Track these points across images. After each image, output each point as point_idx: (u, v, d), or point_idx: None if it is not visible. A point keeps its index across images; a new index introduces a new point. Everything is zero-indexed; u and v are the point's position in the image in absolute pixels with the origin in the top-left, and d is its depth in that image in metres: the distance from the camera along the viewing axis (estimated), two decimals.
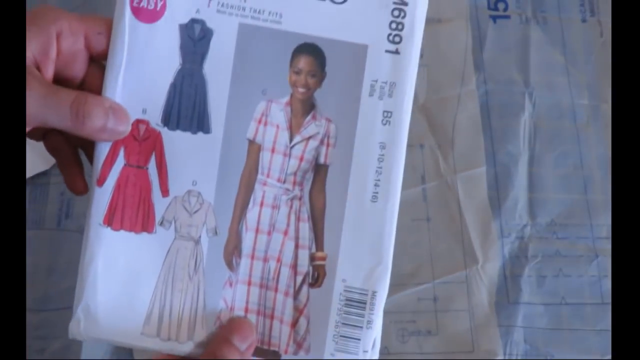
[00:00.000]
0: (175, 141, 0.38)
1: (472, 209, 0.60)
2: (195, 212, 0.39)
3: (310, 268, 0.39)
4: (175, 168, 0.38)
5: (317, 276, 0.39)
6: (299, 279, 0.39)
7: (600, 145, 0.63)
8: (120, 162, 0.38)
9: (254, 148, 0.39)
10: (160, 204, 0.38)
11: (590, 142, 0.63)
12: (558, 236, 0.60)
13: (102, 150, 0.38)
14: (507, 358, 0.57)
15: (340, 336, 0.39)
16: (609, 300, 0.58)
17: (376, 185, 0.39)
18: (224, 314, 0.39)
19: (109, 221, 0.38)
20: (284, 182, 0.39)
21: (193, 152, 0.38)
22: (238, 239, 0.39)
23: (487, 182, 0.61)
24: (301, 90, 0.39)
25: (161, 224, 0.38)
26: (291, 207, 0.39)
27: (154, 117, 0.38)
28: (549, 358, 0.57)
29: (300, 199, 0.39)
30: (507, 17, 0.65)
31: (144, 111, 0.38)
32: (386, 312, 0.56)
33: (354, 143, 0.39)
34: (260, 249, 0.39)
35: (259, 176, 0.39)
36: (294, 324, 0.39)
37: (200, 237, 0.39)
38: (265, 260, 0.39)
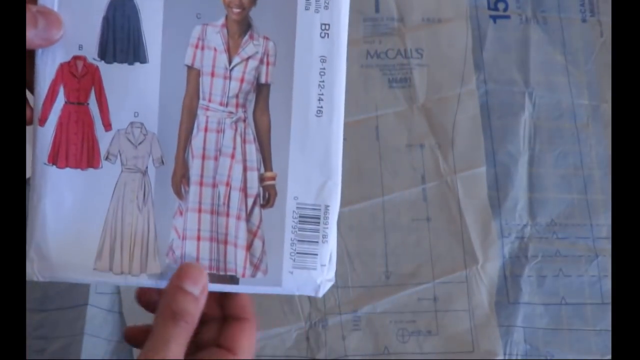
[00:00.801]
0: (114, 74, 0.38)
1: (472, 209, 0.60)
2: (140, 143, 0.38)
3: (261, 189, 0.39)
4: (116, 101, 0.38)
5: (268, 196, 0.39)
6: (250, 201, 0.39)
7: (600, 145, 0.63)
8: (60, 100, 0.38)
9: (193, 74, 0.38)
10: (104, 139, 0.38)
11: (590, 142, 0.63)
12: (558, 236, 0.60)
13: (42, 89, 0.38)
14: (507, 358, 0.57)
15: (297, 253, 0.39)
16: (609, 300, 0.58)
17: (320, 99, 0.38)
18: (175, 244, 0.38)
19: (54, 159, 0.38)
20: (227, 105, 0.39)
21: (132, 84, 0.38)
22: (185, 166, 0.38)
23: (487, 182, 0.61)
24: (236, 10, 0.38)
25: (107, 158, 0.38)
26: (236, 129, 0.39)
27: (91, 53, 0.38)
28: (549, 358, 0.57)
29: (244, 120, 0.39)
30: (507, 17, 0.65)
31: (80, 47, 0.38)
32: (386, 312, 0.56)
33: (294, 59, 0.38)
34: (208, 175, 0.39)
35: (201, 102, 0.38)
36: (249, 246, 0.39)
37: (147, 168, 0.38)
38: (214, 185, 0.39)
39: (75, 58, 0.38)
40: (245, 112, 0.39)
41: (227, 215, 0.39)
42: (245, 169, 0.39)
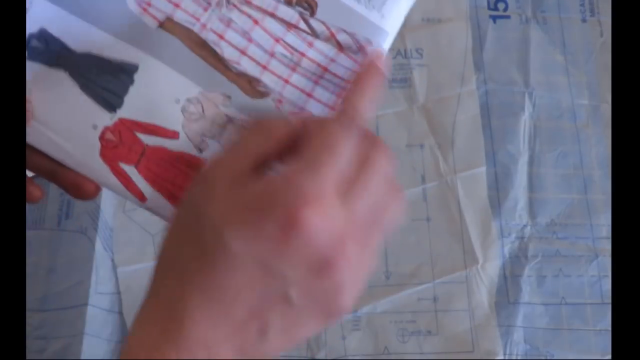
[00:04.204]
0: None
1: (472, 209, 0.60)
2: None
3: (296, 10, 0.36)
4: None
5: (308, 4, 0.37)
6: (302, 35, 0.36)
7: (600, 145, 0.63)
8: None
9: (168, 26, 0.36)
10: None
11: (590, 142, 0.63)
12: (558, 236, 0.60)
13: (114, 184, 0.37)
14: (507, 358, 0.57)
15: None
16: (609, 300, 0.58)
17: None
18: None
19: None
20: None
21: None
22: None
23: (487, 182, 0.61)
24: None
25: None
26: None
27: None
28: (549, 358, 0.57)
29: None
30: (507, 17, 0.65)
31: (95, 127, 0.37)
32: (386, 312, 0.56)
33: None
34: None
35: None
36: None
37: None
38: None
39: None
40: None
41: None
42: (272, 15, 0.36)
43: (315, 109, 0.36)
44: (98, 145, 0.36)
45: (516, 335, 0.57)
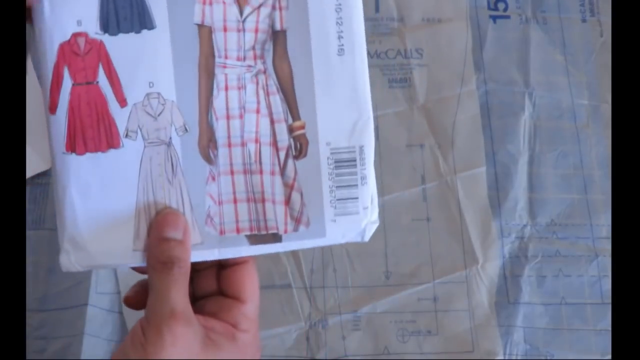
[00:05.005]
0: (121, 45, 0.36)
1: (472, 209, 0.60)
2: (159, 114, 0.37)
3: (291, 140, 0.37)
4: (128, 74, 0.36)
5: (300, 146, 0.37)
6: (282, 154, 0.37)
7: (600, 145, 0.63)
8: (67, 83, 0.36)
9: (205, 31, 0.37)
10: (120, 116, 0.36)
11: (590, 142, 0.63)
12: (558, 236, 0.60)
13: (46, 76, 0.36)
14: (507, 358, 0.57)
15: (337, 200, 0.38)
16: (609, 300, 0.58)
17: (339, 37, 0.37)
18: (213, 211, 0.37)
19: (72, 147, 0.36)
20: (244, 59, 0.37)
21: (143, 53, 0.36)
22: (210, 130, 0.37)
23: (487, 182, 0.61)
24: None
25: (127, 135, 0.36)
26: (257, 83, 0.37)
27: (92, 27, 0.36)
28: (549, 358, 0.57)
29: (264, 72, 0.37)
30: (507, 17, 0.65)
31: (79, 23, 0.36)
32: (386, 312, 0.56)
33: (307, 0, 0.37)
34: (235, 135, 0.37)
35: (217, 60, 0.37)
36: (287, 201, 0.37)
37: (170, 138, 0.37)
38: (243, 144, 0.37)
39: (75, 35, 0.36)
40: (264, 63, 0.37)
41: (261, 172, 0.37)
42: (272, 122, 0.37)
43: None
44: (68, 36, 0.36)
45: (516, 335, 0.57)
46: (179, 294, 0.35)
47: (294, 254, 0.58)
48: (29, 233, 0.59)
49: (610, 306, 0.58)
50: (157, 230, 0.36)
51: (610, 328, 0.58)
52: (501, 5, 0.66)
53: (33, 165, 0.59)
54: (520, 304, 0.58)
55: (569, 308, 0.58)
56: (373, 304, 0.58)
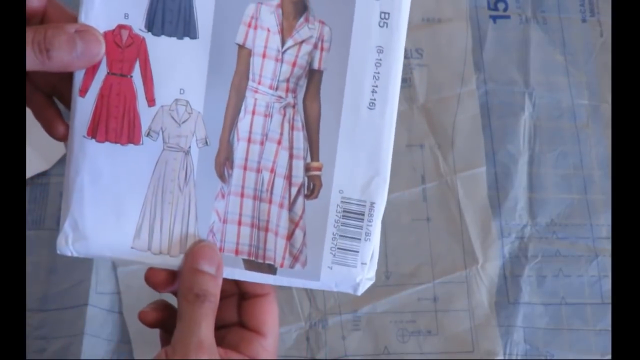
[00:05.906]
0: (161, 47, 0.36)
1: (472, 209, 0.60)
2: (184, 122, 0.37)
3: (306, 179, 0.37)
4: (161, 76, 0.36)
5: (313, 187, 0.37)
6: (294, 190, 0.37)
7: (600, 145, 0.63)
8: (102, 70, 0.36)
9: (244, 53, 0.37)
10: (146, 114, 0.37)
11: (590, 142, 0.63)
12: (558, 236, 0.60)
13: None
14: (507, 358, 0.57)
15: (338, 248, 0.38)
16: (609, 300, 0.58)
17: (373, 91, 0.37)
18: (216, 227, 0.37)
19: (93, 133, 0.36)
20: (276, 89, 0.37)
21: (180, 59, 0.36)
22: (229, 149, 0.37)
23: (487, 182, 0.61)
24: None
25: (148, 134, 0.37)
26: (284, 115, 0.37)
27: (137, 22, 0.36)
28: (549, 358, 0.57)
29: (293, 106, 0.37)
30: (507, 17, 0.65)
31: (126, 16, 0.36)
32: (386, 312, 0.56)
33: (349, 47, 0.37)
34: (252, 160, 0.37)
35: (250, 83, 0.37)
36: (290, 236, 0.37)
37: (189, 147, 0.37)
38: (259, 170, 0.37)
39: (120, 27, 0.36)
40: (295, 97, 0.37)
41: (270, 202, 0.38)
42: (291, 157, 0.37)
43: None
44: (114, 25, 0.36)
45: (516, 335, 0.57)
46: (208, 327, 0.35)
47: None
48: (29, 233, 0.59)
49: (610, 306, 0.58)
50: (192, 260, 0.36)
51: (610, 328, 0.58)
52: (501, 5, 0.66)
53: (33, 165, 0.59)
54: (520, 304, 0.58)
55: (569, 308, 0.58)
56: (373, 304, 0.58)
